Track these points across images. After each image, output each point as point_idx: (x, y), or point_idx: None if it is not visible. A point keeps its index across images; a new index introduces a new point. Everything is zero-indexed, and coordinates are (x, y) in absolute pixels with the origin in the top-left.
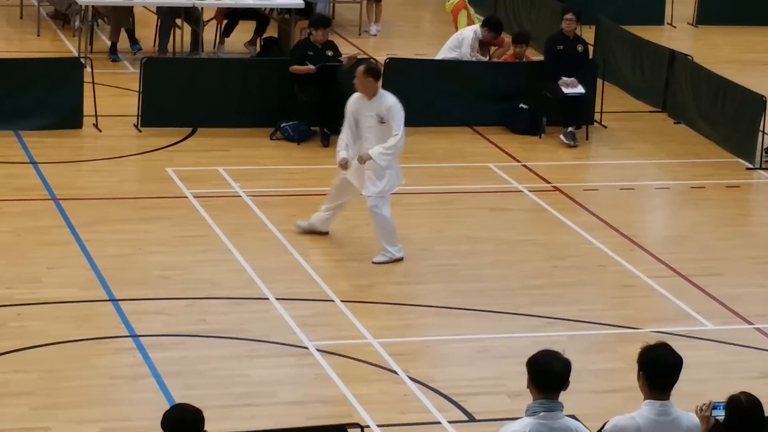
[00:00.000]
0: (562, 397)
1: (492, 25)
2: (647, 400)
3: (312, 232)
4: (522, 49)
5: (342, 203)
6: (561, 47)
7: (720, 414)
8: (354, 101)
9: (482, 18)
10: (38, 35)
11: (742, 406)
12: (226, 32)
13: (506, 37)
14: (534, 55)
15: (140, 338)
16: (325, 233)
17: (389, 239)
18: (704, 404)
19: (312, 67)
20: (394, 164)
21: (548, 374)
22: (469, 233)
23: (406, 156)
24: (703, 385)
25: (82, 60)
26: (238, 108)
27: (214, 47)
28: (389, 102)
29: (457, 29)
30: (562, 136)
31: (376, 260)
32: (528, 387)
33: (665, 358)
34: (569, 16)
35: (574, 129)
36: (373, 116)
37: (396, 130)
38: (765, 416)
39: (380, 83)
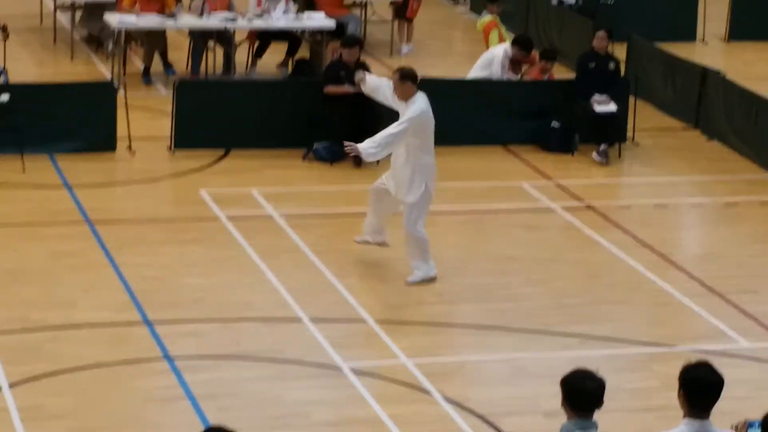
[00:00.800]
0: (597, 416)
1: (522, 44)
2: (686, 419)
3: (376, 243)
4: (548, 65)
5: (382, 210)
6: (593, 65)
7: None
8: (396, 104)
9: (513, 36)
10: (72, 59)
11: None
12: (258, 54)
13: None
14: (565, 73)
15: (175, 360)
16: (384, 244)
17: (424, 256)
18: (739, 423)
19: (350, 88)
20: (429, 183)
21: (582, 393)
22: (502, 252)
23: (438, 174)
24: (738, 403)
25: (116, 83)
26: (270, 129)
27: (247, 69)
28: (414, 103)
29: (488, 48)
30: (594, 154)
31: (410, 280)
32: (562, 406)
33: (707, 377)
34: (601, 33)
35: (606, 147)
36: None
37: (400, 121)
38: None
39: (417, 88)
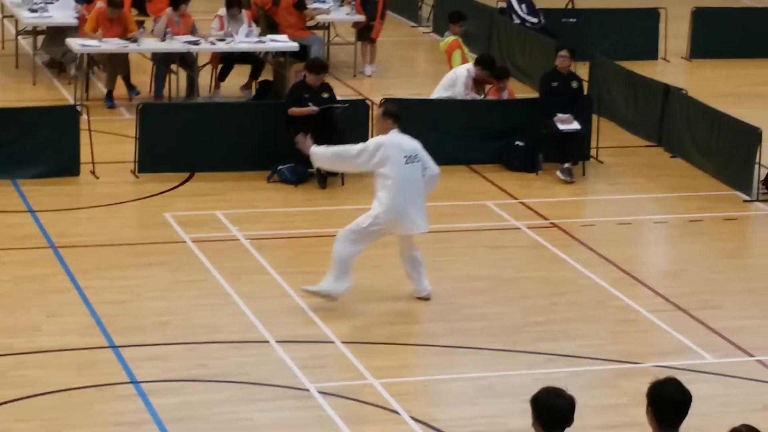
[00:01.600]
0: None
1: (485, 63)
2: None
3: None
4: (503, 84)
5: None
6: (556, 84)
7: None
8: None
9: (476, 56)
10: (34, 84)
11: None
12: (222, 77)
13: None
14: (528, 92)
15: (141, 384)
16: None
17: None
18: None
19: (315, 108)
20: (383, 201)
21: (553, 411)
22: (468, 271)
23: None
24: (705, 419)
25: (79, 108)
26: (234, 152)
27: (210, 92)
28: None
29: (451, 68)
30: (558, 173)
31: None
32: (533, 425)
33: (675, 394)
34: (563, 53)
35: (570, 165)
36: None
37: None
38: None
39: (394, 125)
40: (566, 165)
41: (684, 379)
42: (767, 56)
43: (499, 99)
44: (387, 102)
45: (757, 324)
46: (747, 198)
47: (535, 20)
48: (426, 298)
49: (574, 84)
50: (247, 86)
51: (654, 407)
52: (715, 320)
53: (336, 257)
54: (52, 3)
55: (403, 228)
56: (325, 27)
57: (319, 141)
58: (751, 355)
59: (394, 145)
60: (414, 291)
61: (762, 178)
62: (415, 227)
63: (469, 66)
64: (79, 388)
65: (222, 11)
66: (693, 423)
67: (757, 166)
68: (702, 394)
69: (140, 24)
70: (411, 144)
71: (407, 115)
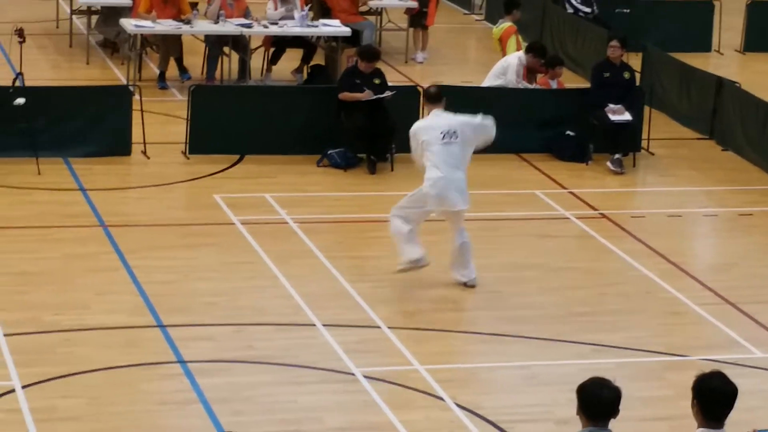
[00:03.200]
0: (612, 425)
1: (536, 50)
2: (701, 429)
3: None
4: (557, 71)
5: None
6: (607, 75)
7: None
8: None
9: (527, 44)
10: (87, 63)
11: None
12: (273, 60)
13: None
14: (580, 82)
15: (188, 364)
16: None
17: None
18: None
19: (364, 94)
20: (426, 179)
21: (598, 402)
22: (516, 260)
23: None
24: (751, 413)
25: (131, 88)
26: (284, 135)
27: (262, 75)
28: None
29: (505, 55)
30: (609, 163)
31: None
32: (577, 414)
33: (721, 388)
34: (614, 43)
35: (621, 156)
36: None
37: None
38: None
39: (432, 106)
40: (617, 156)
41: (731, 373)
42: None
43: (550, 88)
44: (429, 86)
45: None
46: None
47: (588, 10)
48: (470, 285)
49: (626, 75)
50: (298, 70)
51: (700, 400)
52: (763, 315)
53: (392, 233)
54: None
55: (445, 205)
56: (378, 12)
57: (370, 126)
58: None
59: (427, 127)
60: (459, 276)
61: None
62: (454, 204)
63: (521, 54)
64: (125, 366)
65: None
66: (739, 417)
67: None
68: (749, 388)
69: (194, 6)
70: (447, 121)
71: (458, 102)
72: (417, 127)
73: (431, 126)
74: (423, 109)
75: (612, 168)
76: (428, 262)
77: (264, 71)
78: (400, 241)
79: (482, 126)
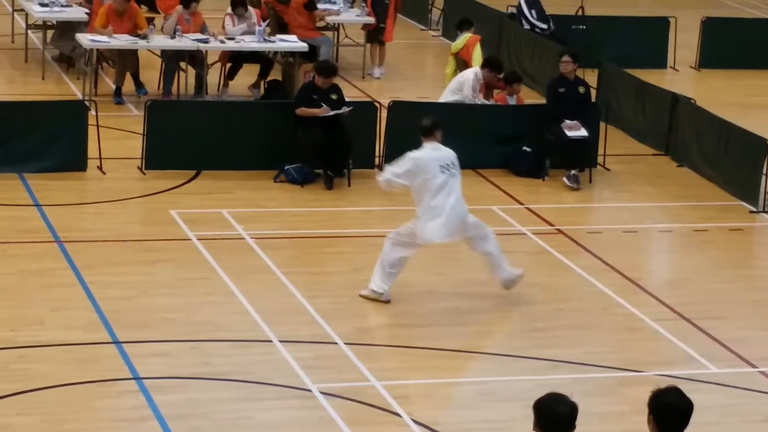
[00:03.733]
0: None
1: (492, 65)
2: None
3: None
4: (515, 88)
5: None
6: (562, 90)
7: None
8: None
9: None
10: (43, 78)
11: None
12: (230, 75)
13: None
14: (536, 98)
15: (144, 380)
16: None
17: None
18: None
19: (321, 110)
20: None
21: (554, 417)
22: (473, 276)
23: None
24: (707, 428)
25: (87, 103)
26: (241, 150)
27: (218, 90)
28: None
29: (471, 65)
30: (565, 179)
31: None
32: (534, 430)
33: (677, 403)
34: (566, 58)
35: (577, 172)
36: None
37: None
38: None
39: (427, 139)
40: (573, 172)
41: (686, 388)
42: None
43: (507, 104)
44: (423, 119)
45: (761, 335)
46: (753, 209)
47: (544, 26)
48: (507, 286)
49: (581, 89)
50: (255, 85)
51: (656, 416)
52: (718, 330)
53: (381, 258)
54: None
55: (447, 237)
56: (335, 28)
57: (327, 141)
58: (754, 366)
59: (425, 160)
60: (500, 282)
61: None
62: (453, 235)
63: (477, 69)
64: (81, 383)
65: (230, 10)
66: None
67: (763, 177)
68: (704, 404)
69: (150, 21)
70: (445, 153)
71: (415, 118)
72: (416, 159)
73: (432, 160)
74: (380, 124)
75: (568, 184)
76: (389, 299)
77: (221, 86)
78: (380, 270)
79: None
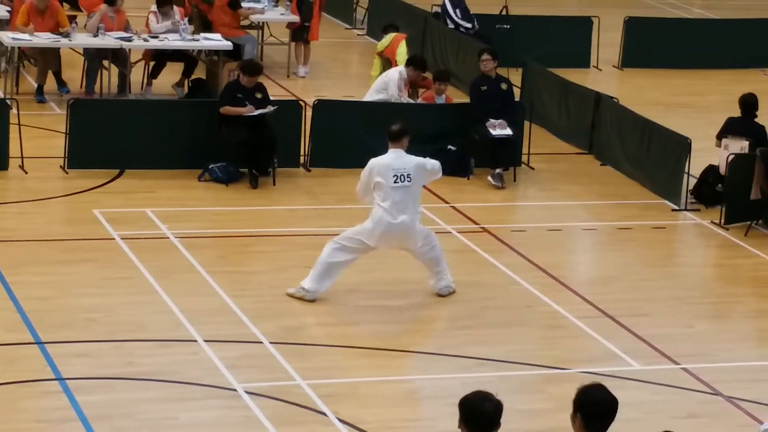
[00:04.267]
0: None
1: (416, 63)
2: None
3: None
4: (443, 87)
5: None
6: (485, 88)
7: None
8: None
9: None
10: None
11: None
12: (154, 74)
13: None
14: (461, 97)
15: (67, 381)
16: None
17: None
18: None
19: (246, 109)
20: (373, 217)
21: (480, 415)
22: (397, 274)
23: (333, 196)
24: (630, 425)
25: (8, 101)
26: (165, 149)
27: (142, 88)
28: None
29: (396, 64)
30: (489, 178)
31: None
32: (459, 427)
33: (603, 400)
34: (485, 56)
35: (502, 170)
36: None
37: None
38: None
39: (393, 145)
40: (497, 170)
41: (610, 385)
42: (698, 66)
43: (432, 103)
44: (393, 124)
45: (684, 332)
46: (675, 207)
47: (469, 25)
48: (442, 294)
49: (504, 86)
50: (179, 84)
51: (582, 412)
52: (641, 327)
53: (320, 258)
54: None
55: (386, 245)
56: (259, 27)
57: (252, 140)
58: (677, 363)
59: (383, 167)
60: (433, 287)
61: (691, 187)
62: (395, 245)
63: (401, 68)
64: (3, 384)
65: (154, 7)
66: (619, 429)
67: (685, 175)
68: (628, 400)
69: (72, 19)
70: (403, 163)
71: (340, 117)
72: (373, 164)
73: (388, 166)
74: (305, 123)
75: (493, 183)
76: (314, 299)
77: (144, 85)
78: (319, 270)
79: (434, 170)
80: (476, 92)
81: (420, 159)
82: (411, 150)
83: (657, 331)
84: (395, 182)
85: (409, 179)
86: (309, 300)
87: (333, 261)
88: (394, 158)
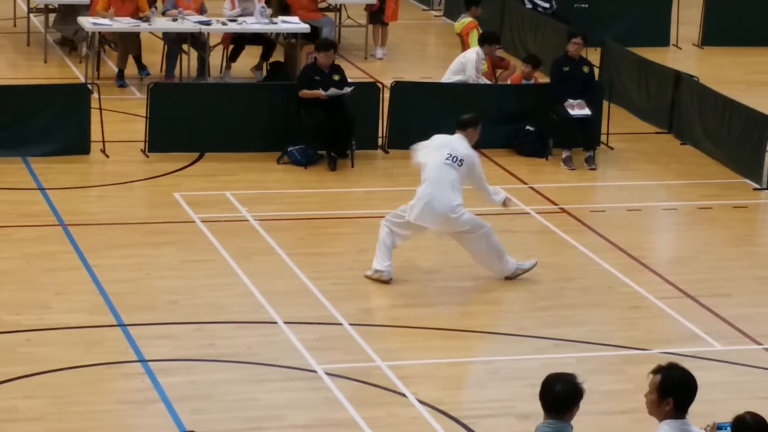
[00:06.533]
0: (576, 418)
1: (489, 39)
2: (668, 420)
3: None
4: (530, 70)
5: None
6: (567, 69)
7: None
8: None
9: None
10: (45, 62)
11: (747, 425)
12: (233, 57)
13: (512, 60)
14: (540, 77)
15: (149, 363)
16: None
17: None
18: (708, 425)
19: (323, 93)
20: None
21: (550, 395)
22: None
23: (411, 178)
24: (712, 405)
25: (90, 86)
26: (245, 132)
27: (221, 72)
28: None
29: (468, 48)
30: (562, 163)
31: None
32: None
33: (692, 383)
34: (577, 39)
35: (592, 153)
36: None
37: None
38: None
39: (460, 131)
40: (589, 153)
41: (691, 366)
42: None
43: (511, 83)
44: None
45: (765, 312)
46: (757, 186)
47: (547, 5)
48: (511, 276)
49: (586, 69)
50: (258, 67)
51: (675, 396)
52: (723, 308)
53: (378, 238)
54: None
55: (421, 221)
56: (337, 9)
57: (330, 123)
58: (759, 343)
59: (442, 140)
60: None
61: None
62: (429, 223)
63: (478, 49)
64: (87, 365)
65: None
66: (701, 410)
67: (766, 154)
68: (710, 381)
69: (152, 3)
70: (462, 147)
71: (418, 98)
72: (436, 137)
73: (447, 143)
74: (383, 104)
75: (564, 166)
76: (390, 279)
77: (223, 68)
78: (381, 249)
79: (478, 177)
80: (558, 72)
81: (476, 161)
82: (490, 131)
83: (739, 312)
84: (446, 160)
85: (460, 163)
86: (386, 280)
87: (385, 239)
88: (455, 140)
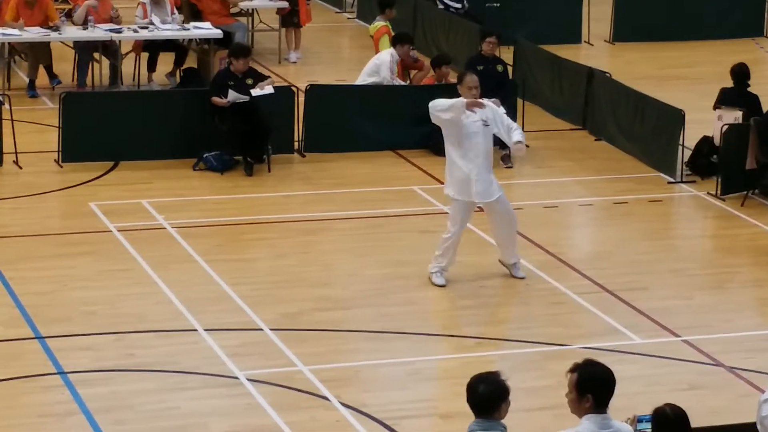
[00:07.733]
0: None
1: (402, 39)
2: (589, 415)
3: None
4: (443, 71)
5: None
6: (481, 68)
7: (647, 427)
8: None
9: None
10: None
11: (667, 417)
12: (151, 66)
13: (426, 61)
14: (453, 77)
15: (68, 375)
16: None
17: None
18: (629, 418)
19: (223, 100)
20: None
21: (475, 397)
22: (396, 257)
23: (329, 181)
24: (632, 398)
25: (1, 97)
26: (159, 140)
27: (134, 80)
28: None
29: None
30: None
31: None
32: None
33: (605, 374)
34: (491, 39)
35: (508, 151)
36: None
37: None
38: (691, 427)
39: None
40: (505, 152)
41: (611, 360)
42: (689, 38)
43: (425, 84)
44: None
45: (683, 304)
46: (671, 179)
47: (458, 5)
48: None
49: (500, 68)
50: (171, 74)
51: (594, 392)
52: (641, 301)
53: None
54: None
55: (470, 195)
56: (249, 13)
57: (244, 128)
58: (677, 335)
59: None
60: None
61: (686, 159)
62: (478, 196)
63: (391, 50)
64: (5, 379)
65: None
66: (621, 403)
67: (680, 147)
68: (629, 374)
69: (63, 12)
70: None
71: (332, 101)
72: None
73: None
74: (298, 108)
75: (504, 165)
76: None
77: (137, 77)
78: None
79: (511, 127)
80: (471, 71)
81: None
82: (406, 131)
83: (657, 304)
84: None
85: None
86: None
87: (448, 234)
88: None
